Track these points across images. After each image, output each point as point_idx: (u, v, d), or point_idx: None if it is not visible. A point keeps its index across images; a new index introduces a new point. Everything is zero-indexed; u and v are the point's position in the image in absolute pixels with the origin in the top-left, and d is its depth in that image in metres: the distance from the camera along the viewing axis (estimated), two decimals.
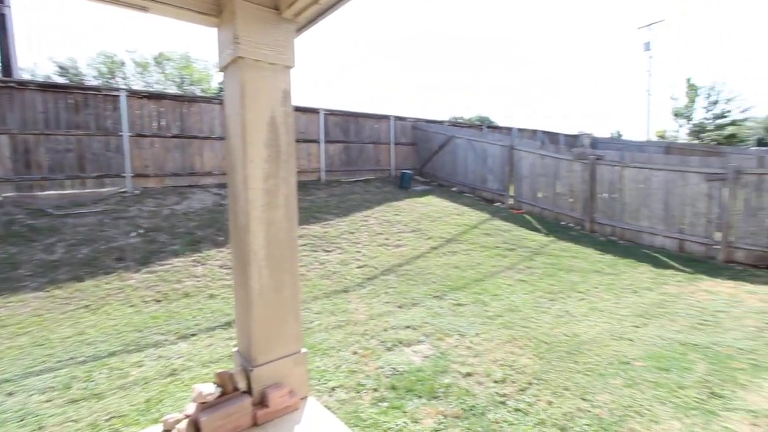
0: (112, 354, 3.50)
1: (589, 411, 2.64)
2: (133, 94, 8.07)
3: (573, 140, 19.39)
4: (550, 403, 2.74)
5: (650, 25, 28.51)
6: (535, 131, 17.97)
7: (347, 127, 11.25)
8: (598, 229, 8.67)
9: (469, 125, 16.70)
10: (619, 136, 32.79)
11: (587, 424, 2.50)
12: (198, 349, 3.64)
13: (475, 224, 8.76)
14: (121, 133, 7.73)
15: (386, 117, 12.12)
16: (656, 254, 7.42)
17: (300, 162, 10.26)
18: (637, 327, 4.21)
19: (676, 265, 6.80)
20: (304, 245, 6.98)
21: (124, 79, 27.96)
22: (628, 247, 7.87)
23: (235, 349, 2.38)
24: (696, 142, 25.18)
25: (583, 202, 8.89)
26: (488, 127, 16.80)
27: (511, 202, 10.49)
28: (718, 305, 4.94)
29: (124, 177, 7.80)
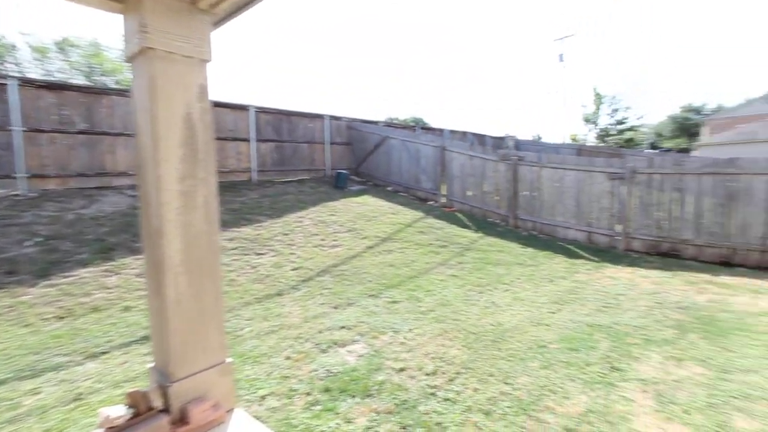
0: None
1: (511, 394, 2.84)
2: (26, 83, 7.08)
3: (499, 142, 20.71)
4: (476, 390, 2.90)
5: (563, 38, 31.48)
6: (465, 133, 18.88)
7: (280, 126, 10.91)
8: (521, 225, 9.36)
9: (403, 126, 17.08)
10: (539, 138, 35.76)
11: (509, 406, 2.68)
12: (110, 368, 3.29)
13: (409, 223, 8.99)
14: (10, 128, 6.74)
15: (321, 116, 11.96)
16: (570, 246, 8.20)
17: (229, 162, 9.75)
18: (553, 313, 4.62)
19: (586, 255, 7.58)
20: (234, 249, 6.65)
21: (17, 65, 24.40)
22: (546, 240, 8.60)
23: (151, 364, 2.19)
24: (602, 144, 28.39)
25: (508, 200, 9.54)
26: (422, 128, 17.32)
27: (443, 200, 10.93)
28: (618, 289, 5.59)
29: (15, 178, 6.82)
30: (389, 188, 12.12)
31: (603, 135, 29.32)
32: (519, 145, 20.39)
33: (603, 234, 8.14)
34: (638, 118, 29.07)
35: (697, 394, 2.73)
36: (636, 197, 7.74)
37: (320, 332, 4.07)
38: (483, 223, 9.61)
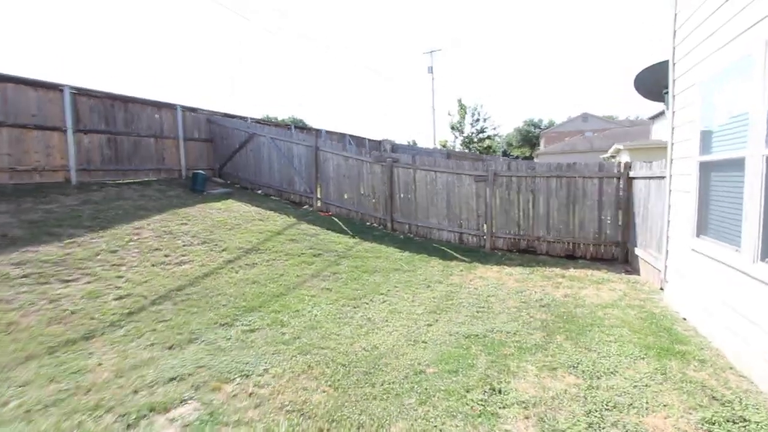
0: None
1: None
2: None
3: (377, 145, 20.96)
4: None
5: (431, 52, 33.89)
6: (344, 135, 18.51)
7: (113, 114, 8.75)
8: (398, 228, 9.22)
9: (275, 124, 15.80)
10: (414, 143, 37.93)
11: None
12: None
13: (280, 230, 8.01)
14: None
15: (171, 105, 10.06)
16: (444, 247, 8.30)
17: (30, 157, 7.34)
18: (430, 325, 4.30)
19: (459, 256, 7.72)
20: (25, 277, 4.83)
21: None
22: (422, 243, 8.59)
23: None
24: (467, 151, 31.46)
25: (384, 202, 9.31)
26: (297, 127, 16.31)
27: (319, 204, 10.21)
28: (489, 290, 5.65)
29: None
30: (259, 191, 10.87)
31: (467, 142, 32.52)
32: (396, 148, 20.93)
33: (472, 234, 8.46)
34: (494, 128, 33.09)
35: (576, 413, 2.56)
36: (498, 198, 8.21)
37: (136, 392, 2.94)
38: (361, 228, 9.19)
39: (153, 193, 8.69)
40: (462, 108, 31.70)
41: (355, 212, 9.77)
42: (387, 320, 4.48)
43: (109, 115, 8.65)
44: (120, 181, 8.87)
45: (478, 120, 32.23)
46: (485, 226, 8.37)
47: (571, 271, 6.68)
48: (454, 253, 7.91)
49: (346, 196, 9.94)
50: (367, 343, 3.83)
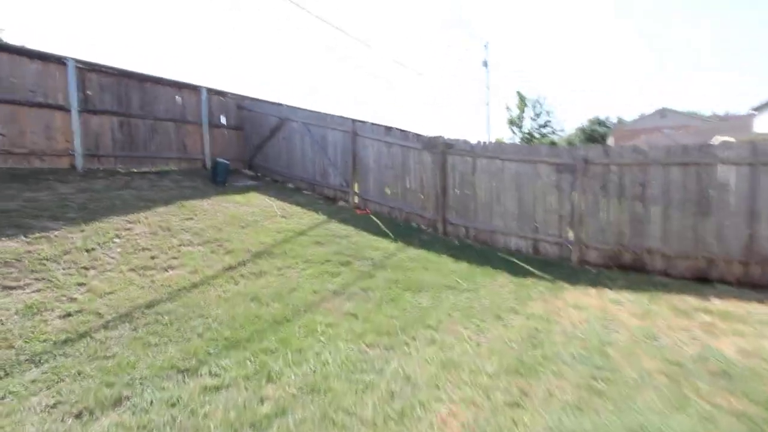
0: None
1: None
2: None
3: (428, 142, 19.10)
4: None
5: (486, 44, 31.38)
6: (390, 128, 16.87)
7: (127, 94, 7.75)
8: (452, 231, 7.36)
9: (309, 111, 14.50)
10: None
11: None
12: None
13: (304, 229, 6.48)
14: None
15: (195, 87, 8.97)
16: (513, 258, 6.31)
17: (27, 138, 6.42)
18: (515, 407, 2.43)
19: (535, 271, 5.70)
20: None
21: None
22: (483, 251, 6.65)
23: None
24: None
25: (435, 199, 7.49)
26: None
27: (356, 200, 8.61)
28: (597, 331, 3.64)
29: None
30: (290, 185, 9.49)
31: (528, 139, 29.52)
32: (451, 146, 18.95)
33: (552, 242, 6.39)
34: (561, 122, 29.69)
35: None
36: (590, 195, 6.08)
37: None
38: (404, 229, 7.43)
39: (167, 183, 7.57)
40: (522, 101, 28.77)
41: (398, 210, 8.04)
42: (437, 384, 2.69)
43: (122, 94, 7.65)
44: (134, 170, 7.85)
45: (539, 114, 29.15)
46: (570, 232, 6.27)
47: (716, 303, 4.44)
48: (529, 267, 5.90)
49: (387, 191, 8.25)
50: None
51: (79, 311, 3.59)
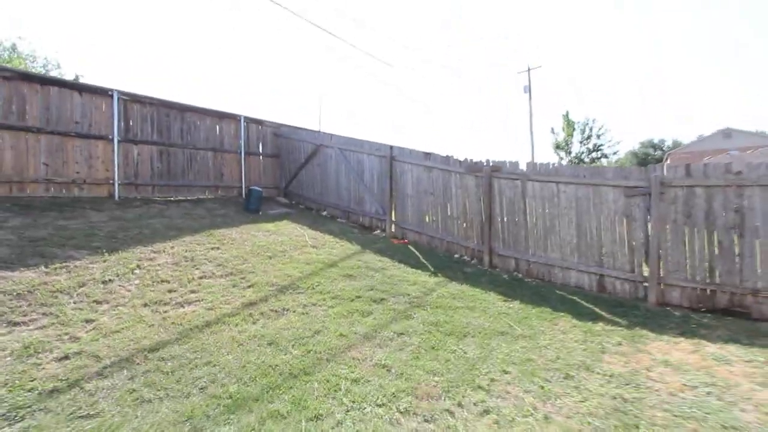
0: None
1: None
2: None
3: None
4: None
5: (528, 70, 30.60)
6: (429, 154, 16.40)
7: (167, 124, 7.85)
8: (500, 264, 6.54)
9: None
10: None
11: None
12: None
13: (335, 261, 5.96)
14: None
15: (233, 116, 9.01)
16: (574, 296, 5.39)
17: (70, 168, 6.51)
18: None
19: (604, 314, 4.76)
20: None
21: None
22: (537, 287, 5.77)
23: None
24: None
25: (480, 227, 6.76)
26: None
27: (393, 229, 8.03)
28: (710, 405, 2.72)
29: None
30: (324, 212, 9.13)
31: (576, 163, 27.90)
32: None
33: (621, 278, 5.41)
34: (614, 144, 27.79)
35: None
36: (669, 223, 5.12)
37: None
38: (445, 261, 6.71)
39: (200, 211, 7.42)
40: (569, 124, 27.35)
41: (438, 240, 7.36)
42: None
43: (162, 125, 7.74)
44: (170, 198, 7.82)
45: (589, 137, 27.50)
46: (645, 266, 5.29)
47: None
48: (595, 308, 4.97)
49: (427, 219, 7.62)
50: None
51: (78, 353, 3.20)
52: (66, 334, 3.48)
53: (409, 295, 5.02)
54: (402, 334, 3.94)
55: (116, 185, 7.00)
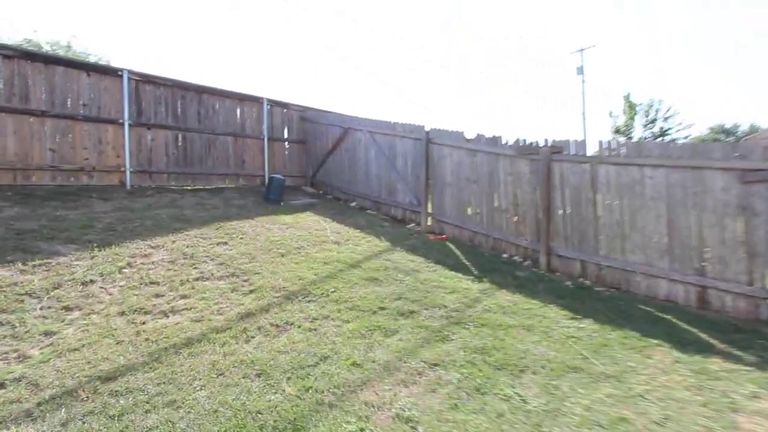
0: None
1: None
2: None
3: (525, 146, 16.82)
4: None
5: (582, 50, 27.84)
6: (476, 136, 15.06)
7: (183, 107, 7.24)
8: (560, 267, 5.32)
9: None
10: None
11: None
12: None
13: (358, 260, 5.03)
14: None
15: (255, 98, 8.30)
16: (666, 315, 4.11)
17: (78, 154, 6.04)
18: None
19: (715, 344, 3.48)
20: None
21: None
22: (613, 299, 4.52)
23: None
24: None
25: (535, 221, 5.56)
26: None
27: (429, 222, 6.98)
28: None
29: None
30: (353, 203, 8.23)
31: None
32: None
33: (734, 292, 4.05)
34: (685, 128, 24.54)
35: None
36: None
37: None
38: (492, 262, 5.58)
39: (216, 201, 6.76)
40: (631, 107, 24.52)
41: (482, 236, 6.23)
42: None
43: (178, 108, 7.15)
44: (187, 187, 7.24)
45: (654, 120, 24.53)
46: None
47: None
48: (700, 334, 3.69)
49: (469, 211, 6.49)
50: None
51: (18, 380, 2.51)
52: (15, 351, 2.80)
53: (446, 306, 3.99)
54: (436, 365, 2.94)
55: (128, 173, 6.48)
